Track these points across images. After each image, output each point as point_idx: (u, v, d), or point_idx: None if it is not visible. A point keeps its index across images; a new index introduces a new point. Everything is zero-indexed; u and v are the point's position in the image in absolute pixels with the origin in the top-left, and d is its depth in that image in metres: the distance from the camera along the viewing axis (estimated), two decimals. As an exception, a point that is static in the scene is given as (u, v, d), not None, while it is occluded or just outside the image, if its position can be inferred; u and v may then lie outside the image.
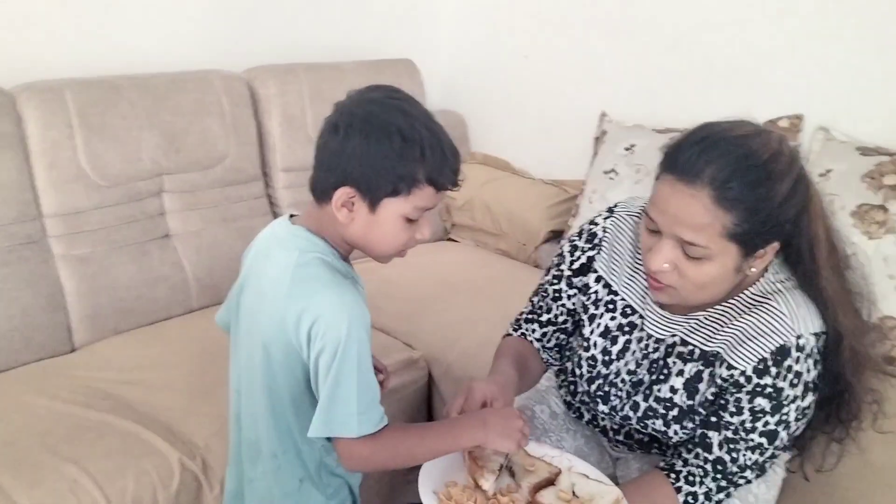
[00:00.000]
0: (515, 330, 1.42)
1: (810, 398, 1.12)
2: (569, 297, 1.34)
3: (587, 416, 1.39)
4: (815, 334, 1.10)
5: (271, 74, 2.20)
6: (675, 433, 1.22)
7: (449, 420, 1.11)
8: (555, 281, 1.35)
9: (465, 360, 1.83)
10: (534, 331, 1.39)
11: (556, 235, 2.42)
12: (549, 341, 1.39)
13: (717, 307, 1.17)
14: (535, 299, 1.40)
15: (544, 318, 1.38)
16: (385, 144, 0.99)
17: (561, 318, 1.36)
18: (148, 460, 1.41)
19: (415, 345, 1.94)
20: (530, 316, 1.40)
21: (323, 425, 1.01)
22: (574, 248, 1.33)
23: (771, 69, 2.18)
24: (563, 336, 1.38)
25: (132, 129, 1.86)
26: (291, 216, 1.14)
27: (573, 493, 1.10)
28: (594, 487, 1.11)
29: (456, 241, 2.58)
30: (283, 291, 1.03)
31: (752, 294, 1.15)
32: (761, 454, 1.14)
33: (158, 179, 1.94)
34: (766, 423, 1.11)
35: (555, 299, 1.35)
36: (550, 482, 1.12)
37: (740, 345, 1.12)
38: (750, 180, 1.01)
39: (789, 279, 1.15)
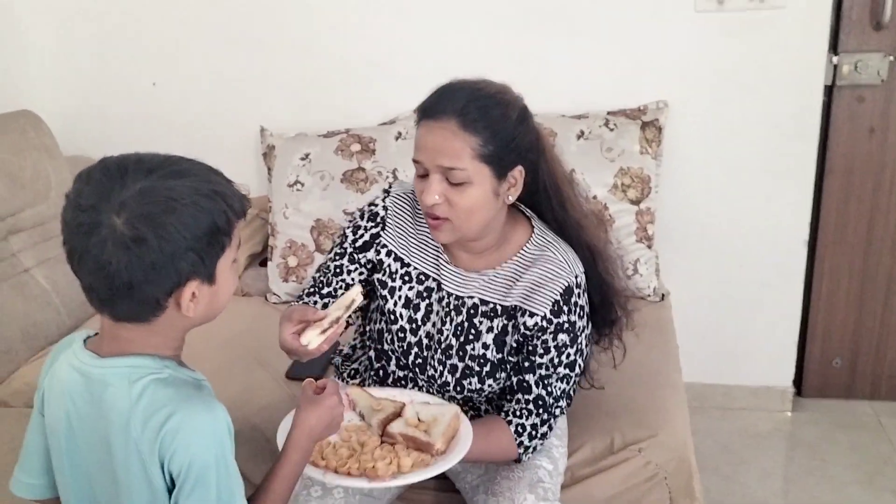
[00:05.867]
0: (298, 301, 1.47)
1: (589, 325, 1.38)
2: (349, 271, 1.43)
3: None
4: (583, 272, 1.35)
5: None
6: (490, 387, 1.38)
7: (282, 458, 1.10)
8: (336, 258, 1.44)
9: (249, 406, 1.73)
10: (315, 303, 1.45)
11: (256, 258, 2.39)
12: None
13: (504, 265, 1.37)
14: (317, 275, 1.48)
15: (325, 290, 1.45)
16: (199, 216, 0.93)
17: (340, 292, 1.44)
18: None
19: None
20: (311, 290, 1.47)
21: None
22: (357, 227, 1.44)
23: (406, 60, 2.40)
24: None
25: None
26: (86, 339, 1.03)
27: (418, 419, 1.23)
28: (435, 409, 1.25)
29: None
30: (131, 433, 0.95)
31: (529, 250, 1.36)
32: (567, 383, 1.36)
33: None
34: (568, 355, 1.34)
35: (336, 274, 1.44)
36: (397, 415, 1.24)
37: (534, 293, 1.33)
38: (484, 104, 1.25)
39: (550, 233, 1.38)
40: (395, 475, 1.11)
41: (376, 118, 2.42)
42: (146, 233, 0.90)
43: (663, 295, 2.20)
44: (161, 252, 0.91)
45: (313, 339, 1.20)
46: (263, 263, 2.35)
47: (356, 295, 1.22)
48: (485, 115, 1.23)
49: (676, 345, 2.00)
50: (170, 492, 0.96)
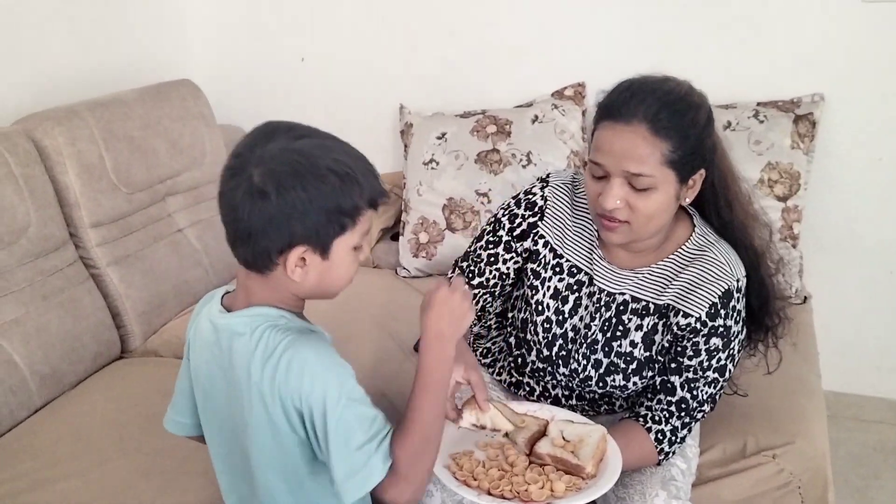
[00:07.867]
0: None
1: (744, 331, 1.33)
2: (504, 261, 1.41)
3: (538, 389, 1.47)
4: (745, 275, 1.30)
5: (53, 122, 1.91)
6: (634, 384, 1.35)
7: (419, 379, 1.05)
8: (490, 246, 1.42)
9: (378, 375, 1.81)
10: None
11: (388, 233, 2.46)
12: (476, 304, 1.44)
13: (660, 263, 1.32)
14: (465, 264, 1.46)
15: (475, 281, 1.44)
16: (324, 189, 0.96)
17: (492, 282, 1.43)
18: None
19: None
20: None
21: (355, 488, 0.98)
22: (514, 215, 1.41)
23: (549, 45, 2.39)
24: (489, 299, 1.46)
25: (-82, 219, 1.54)
26: (224, 295, 1.10)
27: (563, 438, 1.20)
28: (580, 429, 1.21)
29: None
30: (252, 377, 1.00)
31: (689, 249, 1.32)
32: (714, 387, 1.32)
33: (-39, 271, 1.63)
34: (719, 360, 1.30)
35: (490, 263, 1.42)
36: (542, 434, 1.22)
37: (690, 293, 1.28)
38: (676, 109, 1.19)
39: (712, 233, 1.34)
40: (550, 500, 1.09)
41: (513, 101, 2.42)
42: (270, 189, 0.95)
43: (805, 297, 2.10)
44: (279, 210, 0.95)
45: (465, 419, 1.20)
46: (395, 238, 2.42)
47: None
48: (677, 121, 1.18)
49: (817, 351, 1.92)
50: (307, 437, 1.00)
